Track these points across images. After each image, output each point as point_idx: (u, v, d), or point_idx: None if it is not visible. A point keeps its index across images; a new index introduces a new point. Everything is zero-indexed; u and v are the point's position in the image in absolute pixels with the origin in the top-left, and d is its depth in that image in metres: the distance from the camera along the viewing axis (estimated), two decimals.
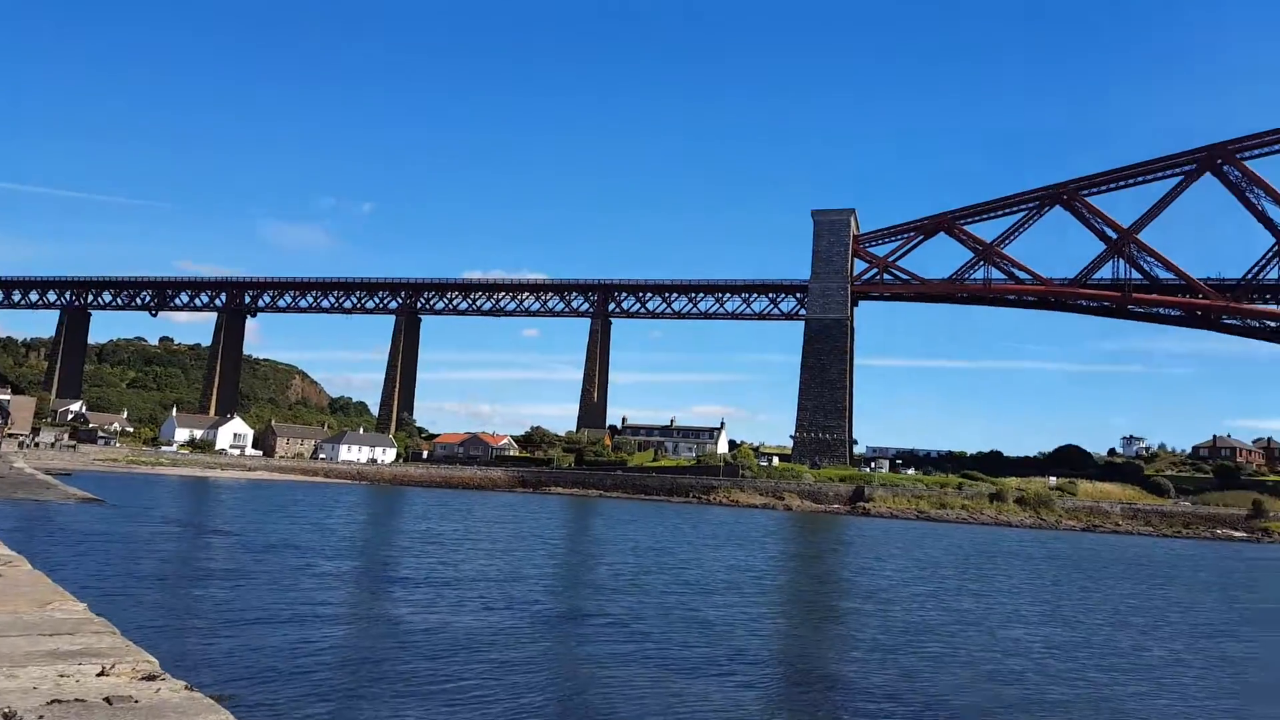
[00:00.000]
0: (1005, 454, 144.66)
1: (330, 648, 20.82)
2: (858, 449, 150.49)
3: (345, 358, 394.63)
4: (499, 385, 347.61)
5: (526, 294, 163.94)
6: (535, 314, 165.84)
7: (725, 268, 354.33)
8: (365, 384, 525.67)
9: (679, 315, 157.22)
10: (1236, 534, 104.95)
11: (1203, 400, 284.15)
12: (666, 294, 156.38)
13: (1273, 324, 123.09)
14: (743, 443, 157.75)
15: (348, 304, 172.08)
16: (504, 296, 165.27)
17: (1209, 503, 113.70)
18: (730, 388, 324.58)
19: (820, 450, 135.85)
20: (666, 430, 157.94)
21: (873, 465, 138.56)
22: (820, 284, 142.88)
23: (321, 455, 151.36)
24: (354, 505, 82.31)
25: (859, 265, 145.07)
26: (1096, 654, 25.95)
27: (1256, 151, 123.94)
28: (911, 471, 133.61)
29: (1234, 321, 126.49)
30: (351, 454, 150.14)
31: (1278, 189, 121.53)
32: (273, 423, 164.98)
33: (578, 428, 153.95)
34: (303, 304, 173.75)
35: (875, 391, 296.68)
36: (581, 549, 51.59)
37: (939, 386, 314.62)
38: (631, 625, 25.67)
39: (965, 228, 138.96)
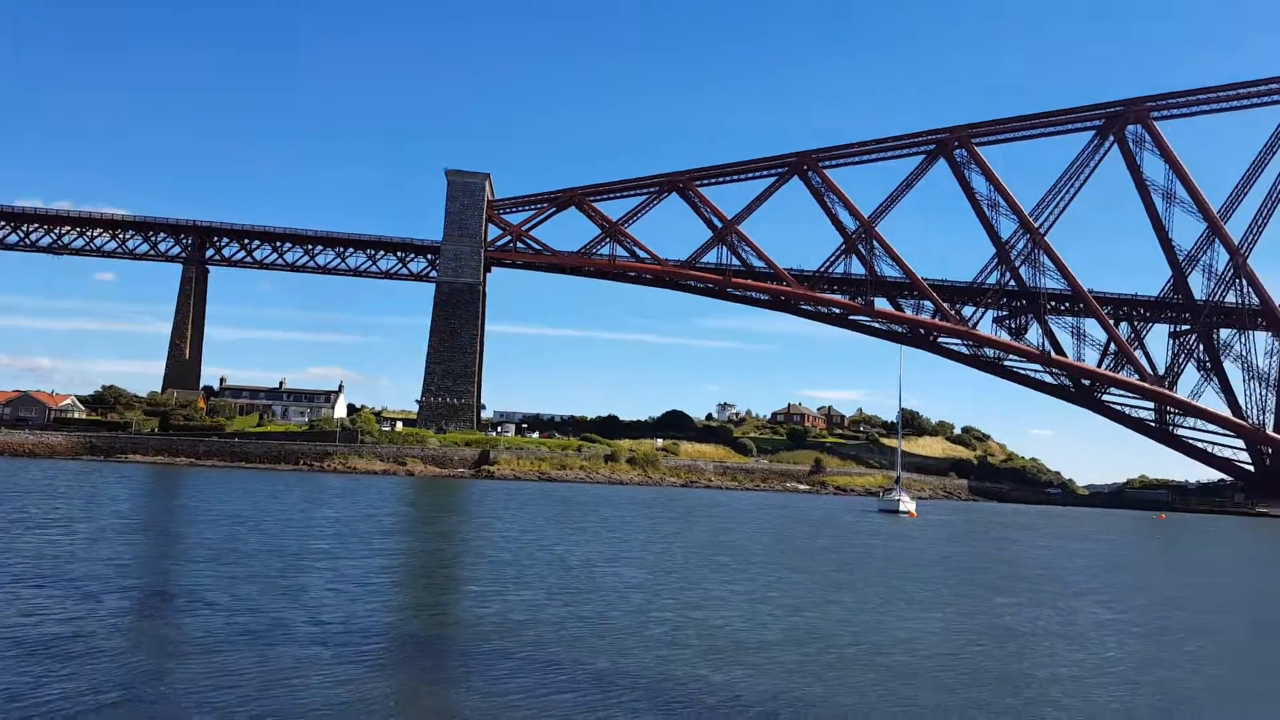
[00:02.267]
0: (621, 418, 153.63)
1: None
2: (486, 414, 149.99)
3: None
4: (63, 337, 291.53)
5: (100, 231, 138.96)
6: (111, 255, 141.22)
7: (358, 224, 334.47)
8: None
9: (293, 268, 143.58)
10: (801, 487, 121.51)
11: (782, 373, 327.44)
12: (278, 243, 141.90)
13: (838, 310, 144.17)
14: (364, 407, 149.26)
15: None
16: (69, 232, 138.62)
17: (782, 461, 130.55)
18: (352, 350, 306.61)
19: (448, 415, 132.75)
20: (275, 393, 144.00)
21: (499, 429, 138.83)
22: (453, 247, 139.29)
23: None
24: None
25: (493, 231, 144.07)
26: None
27: (835, 162, 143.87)
28: (536, 435, 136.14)
29: (809, 307, 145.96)
30: None
31: (849, 196, 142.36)
32: None
33: (164, 388, 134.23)
34: None
35: (505, 357, 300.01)
36: (149, 520, 43.34)
37: (565, 353, 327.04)
38: (213, 600, 20.82)
39: (595, 204, 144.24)
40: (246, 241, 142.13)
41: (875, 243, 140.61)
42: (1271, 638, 26.23)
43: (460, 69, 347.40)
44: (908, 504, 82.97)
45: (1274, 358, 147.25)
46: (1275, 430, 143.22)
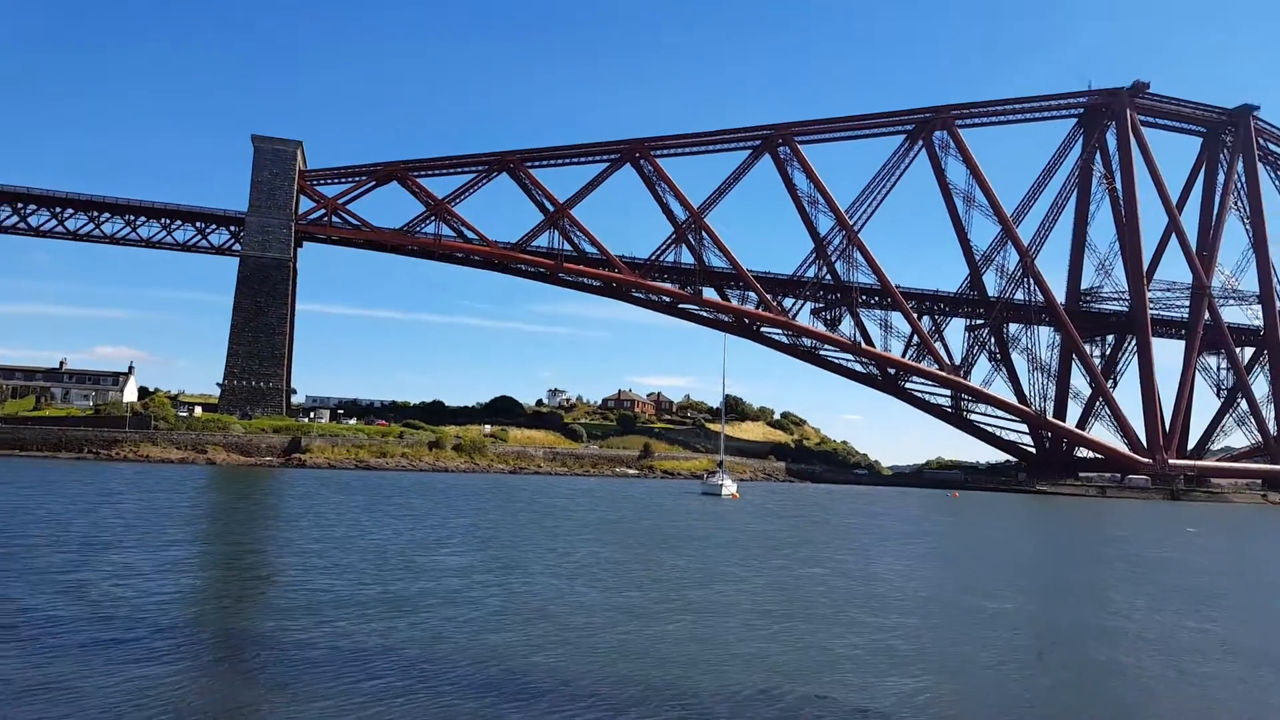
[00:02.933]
0: (447, 404, 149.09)
1: None
2: (297, 399, 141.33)
3: None
4: None
5: None
6: None
7: (155, 194, 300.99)
8: None
9: (76, 236, 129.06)
10: (631, 471, 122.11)
11: (613, 359, 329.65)
12: (58, 209, 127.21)
13: (667, 299, 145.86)
14: (157, 390, 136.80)
15: None
16: None
17: (612, 446, 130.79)
18: (144, 329, 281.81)
19: (253, 400, 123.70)
20: (54, 374, 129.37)
21: (312, 415, 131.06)
22: (260, 218, 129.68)
23: None
24: None
25: (306, 204, 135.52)
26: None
27: (667, 151, 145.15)
28: (353, 421, 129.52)
29: (640, 295, 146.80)
30: None
31: (680, 187, 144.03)
32: None
33: None
34: None
35: (321, 339, 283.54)
36: None
37: (386, 336, 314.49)
38: None
39: (419, 180, 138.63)
40: (20, 206, 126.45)
41: (704, 234, 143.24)
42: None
43: (274, 33, 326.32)
44: (730, 486, 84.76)
45: (1055, 350, 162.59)
46: (1054, 416, 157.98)
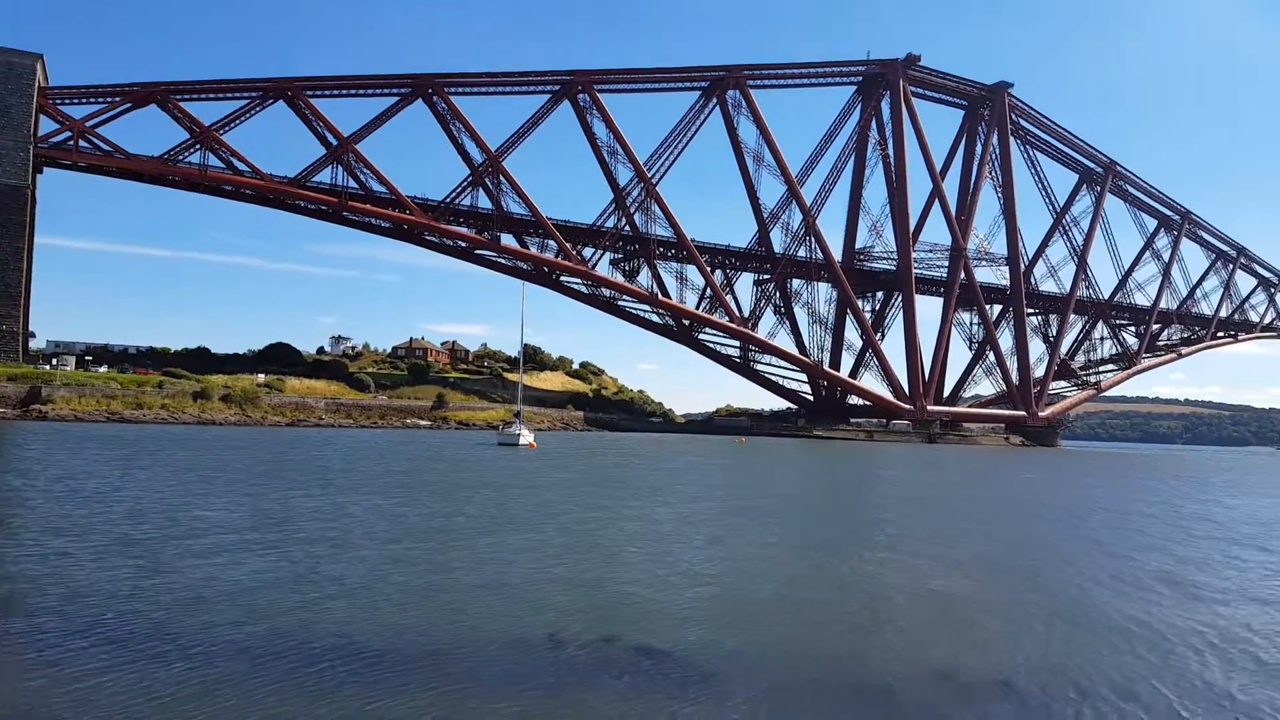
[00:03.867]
0: (214, 351, 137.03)
1: None
2: (36, 343, 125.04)
3: None
4: None
5: None
6: None
7: None
8: None
9: None
10: (423, 423, 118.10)
11: (405, 306, 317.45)
12: None
13: (463, 244, 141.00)
14: None
15: None
16: None
17: (403, 397, 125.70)
18: None
19: None
20: None
21: (55, 362, 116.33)
22: None
23: None
24: None
25: (49, 125, 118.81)
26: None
27: (461, 89, 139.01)
28: (105, 369, 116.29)
29: (434, 239, 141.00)
30: None
31: (479, 130, 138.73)
32: None
33: None
34: None
35: (62, 276, 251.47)
36: None
37: (148, 276, 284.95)
38: None
39: (182, 104, 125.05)
40: None
41: (502, 178, 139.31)
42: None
43: None
44: (527, 436, 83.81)
45: (832, 305, 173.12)
46: (830, 366, 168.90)
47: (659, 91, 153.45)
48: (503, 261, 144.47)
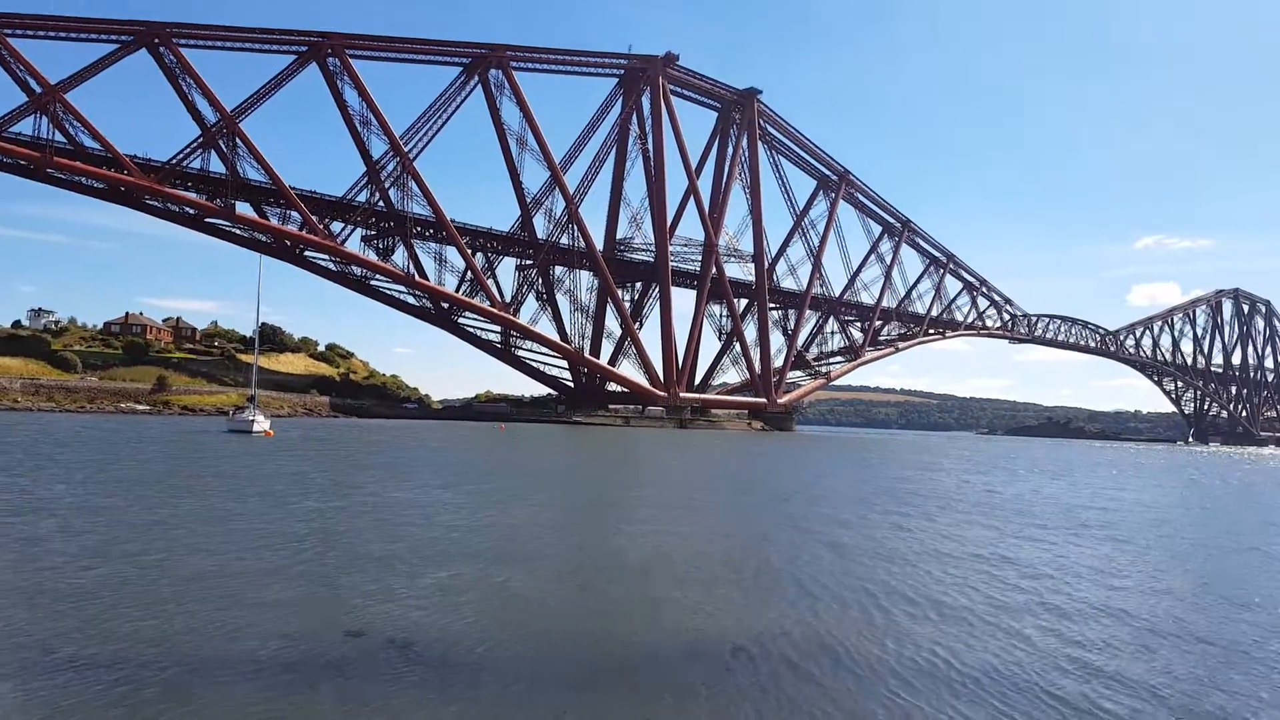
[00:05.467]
0: None
1: None
2: None
3: None
4: None
5: None
6: None
7: None
8: None
9: None
10: (140, 407, 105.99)
11: (121, 277, 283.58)
12: None
13: (192, 211, 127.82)
14: None
15: None
16: None
17: (117, 378, 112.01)
18: None
19: None
20: None
21: None
22: None
23: None
24: None
25: None
26: None
27: (192, 41, 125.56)
28: None
29: (157, 204, 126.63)
30: None
31: (210, 85, 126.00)
32: None
33: None
34: None
35: None
36: None
37: None
38: None
39: None
40: None
41: (239, 141, 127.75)
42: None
43: None
44: (262, 423, 77.46)
45: (593, 293, 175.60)
46: (590, 353, 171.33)
47: (418, 64, 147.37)
48: (238, 232, 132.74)
